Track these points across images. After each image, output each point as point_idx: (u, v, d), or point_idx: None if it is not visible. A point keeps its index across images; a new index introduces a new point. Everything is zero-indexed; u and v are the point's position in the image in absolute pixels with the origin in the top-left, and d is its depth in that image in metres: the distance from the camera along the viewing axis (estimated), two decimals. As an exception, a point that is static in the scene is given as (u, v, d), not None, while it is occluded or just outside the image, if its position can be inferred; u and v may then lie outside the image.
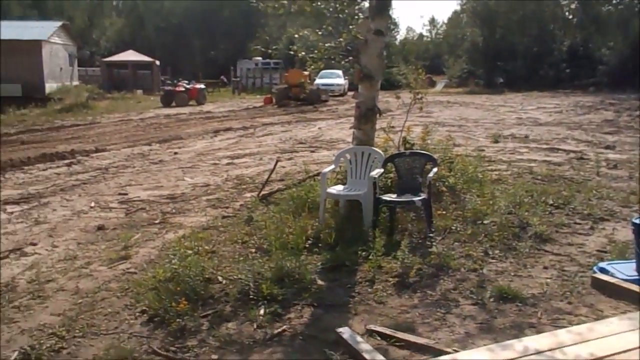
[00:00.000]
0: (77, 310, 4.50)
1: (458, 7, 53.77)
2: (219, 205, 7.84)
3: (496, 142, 13.05)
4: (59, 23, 35.52)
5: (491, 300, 4.46)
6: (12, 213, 7.75)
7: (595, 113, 19.78)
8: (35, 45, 30.56)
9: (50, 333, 4.09)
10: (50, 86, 31.08)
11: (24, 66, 30.10)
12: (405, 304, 4.47)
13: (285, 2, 6.43)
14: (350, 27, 6.55)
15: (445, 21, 67.77)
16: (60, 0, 57.32)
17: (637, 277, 4.59)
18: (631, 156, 10.78)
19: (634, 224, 4.78)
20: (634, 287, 4.36)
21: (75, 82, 35.93)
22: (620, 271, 4.71)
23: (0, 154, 12.97)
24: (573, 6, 41.93)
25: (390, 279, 4.90)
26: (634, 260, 4.77)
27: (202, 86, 31.51)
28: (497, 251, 5.49)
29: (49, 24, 34.57)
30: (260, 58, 45.00)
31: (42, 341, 3.97)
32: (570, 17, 42.24)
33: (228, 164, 11.40)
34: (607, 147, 12.00)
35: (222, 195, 8.45)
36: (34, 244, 6.34)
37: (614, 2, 39.22)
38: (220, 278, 4.91)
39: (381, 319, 4.21)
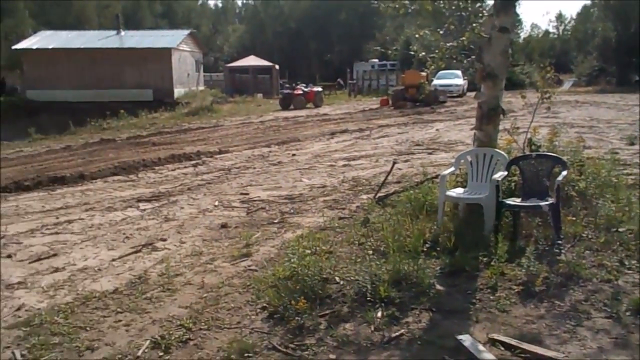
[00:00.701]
0: (203, 303, 4.72)
1: (588, 2, 50.38)
2: (336, 207, 7.90)
3: (632, 144, 12.05)
4: (187, 31, 37.77)
5: (627, 314, 4.11)
6: (144, 210, 8.30)
7: None
8: (165, 53, 32.71)
9: (178, 324, 4.32)
10: (178, 91, 33.12)
11: (156, 73, 32.35)
12: (531, 313, 4.23)
13: (407, 1, 6.33)
14: (473, 25, 6.32)
15: (574, 16, 63.79)
16: (188, 10, 60.96)
17: None
18: None
19: None
20: None
21: (201, 87, 38.04)
22: None
23: (134, 155, 14.00)
24: None
25: (514, 287, 4.66)
26: None
27: (319, 89, 32.10)
28: (634, 261, 5.04)
29: (178, 33, 36.90)
30: (376, 60, 45.05)
31: (171, 332, 4.19)
32: None
33: (344, 165, 11.49)
34: None
35: (338, 197, 8.52)
36: (164, 240, 6.74)
37: None
38: (337, 278, 4.93)
39: (504, 328, 4.02)
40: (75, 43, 33.43)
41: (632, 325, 3.95)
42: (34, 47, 33.15)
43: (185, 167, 12.21)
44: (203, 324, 4.32)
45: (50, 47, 32.89)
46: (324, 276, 4.88)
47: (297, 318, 4.22)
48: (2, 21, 39.16)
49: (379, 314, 4.25)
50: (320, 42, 57.09)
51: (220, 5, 77.02)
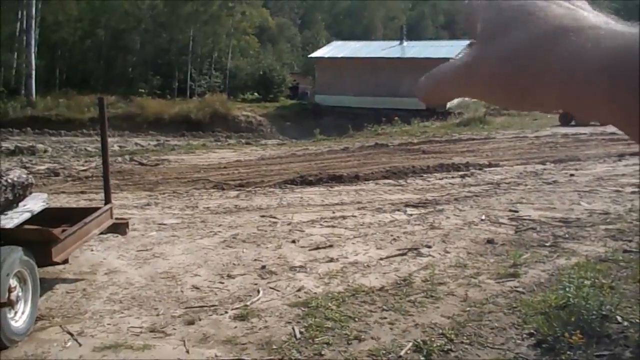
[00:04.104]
0: (466, 317, 4.64)
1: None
2: (620, 237, 7.05)
3: None
4: (467, 42, 37.75)
5: None
6: (411, 215, 8.51)
7: None
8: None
9: (440, 333, 4.32)
10: (451, 101, 33.28)
11: (432, 82, 32.98)
12: None
13: None
14: None
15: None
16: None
17: None
18: None
19: None
20: None
21: (475, 98, 37.64)
22: None
23: (404, 161, 14.49)
24: None
25: None
26: None
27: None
28: None
29: (458, 43, 37.09)
30: None
31: (432, 338, 4.22)
32: None
33: (633, 192, 10.20)
34: None
35: (624, 227, 7.59)
36: (429, 247, 6.81)
37: None
38: (619, 318, 4.39)
39: None
40: (361, 52, 36.03)
41: None
42: (326, 55, 36.65)
43: (453, 177, 12.17)
44: (465, 337, 4.25)
45: (339, 56, 35.99)
46: (604, 312, 4.39)
47: (569, 352, 3.87)
48: (302, 32, 44.23)
49: (673, 369, 3.67)
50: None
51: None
